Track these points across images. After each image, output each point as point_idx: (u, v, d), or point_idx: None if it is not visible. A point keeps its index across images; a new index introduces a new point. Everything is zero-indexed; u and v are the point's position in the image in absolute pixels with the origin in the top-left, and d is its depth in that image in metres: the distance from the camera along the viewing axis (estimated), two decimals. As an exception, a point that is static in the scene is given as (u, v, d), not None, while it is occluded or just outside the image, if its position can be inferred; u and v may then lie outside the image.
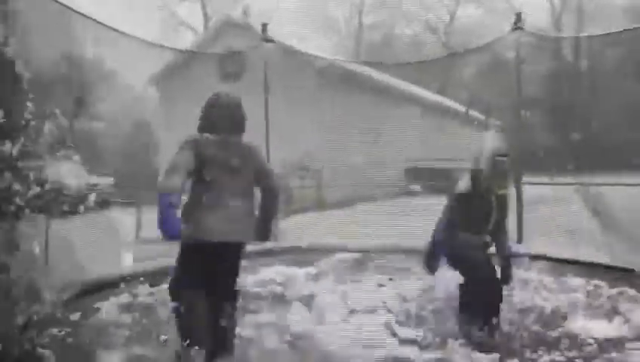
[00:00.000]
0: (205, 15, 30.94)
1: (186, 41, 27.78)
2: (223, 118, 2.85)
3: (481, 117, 19.18)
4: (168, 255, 5.52)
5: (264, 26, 6.52)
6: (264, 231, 2.96)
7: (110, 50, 6.28)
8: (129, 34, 5.83)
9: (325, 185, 12.05)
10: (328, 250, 6.43)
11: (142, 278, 4.70)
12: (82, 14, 5.09)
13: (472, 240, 3.42)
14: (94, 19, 5.26)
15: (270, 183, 2.94)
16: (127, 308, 3.99)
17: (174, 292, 2.79)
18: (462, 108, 18.65)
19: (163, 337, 3.21)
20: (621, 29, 6.33)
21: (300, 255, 6.25)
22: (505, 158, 3.53)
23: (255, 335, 3.24)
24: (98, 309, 3.87)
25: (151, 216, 7.79)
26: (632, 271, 4.83)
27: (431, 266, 3.74)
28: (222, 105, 2.91)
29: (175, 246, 2.79)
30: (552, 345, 3.26)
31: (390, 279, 4.99)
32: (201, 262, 2.66)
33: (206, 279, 2.65)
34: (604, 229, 5.40)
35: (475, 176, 3.53)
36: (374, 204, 9.55)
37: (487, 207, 3.51)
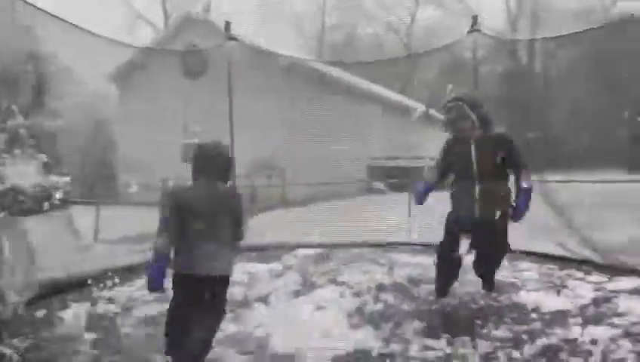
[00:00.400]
0: (165, 11, 30.44)
1: (146, 36, 27.21)
2: (206, 167, 2.99)
3: (440, 117, 19.66)
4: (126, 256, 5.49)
5: (227, 24, 6.49)
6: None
7: (68, 46, 6.10)
8: (87, 29, 5.70)
9: (289, 184, 12.10)
10: (292, 247, 6.51)
11: (102, 280, 4.64)
12: (37, 8, 4.95)
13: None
14: (50, 13, 5.12)
15: (238, 233, 3.06)
16: (87, 316, 3.92)
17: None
18: (422, 108, 19.04)
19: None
20: (572, 32, 6.63)
21: (265, 252, 6.31)
22: (456, 103, 3.94)
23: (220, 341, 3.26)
24: (59, 318, 3.77)
25: (109, 214, 7.61)
26: (582, 261, 5.13)
27: (419, 199, 4.16)
28: (205, 155, 3.03)
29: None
30: (504, 314, 3.61)
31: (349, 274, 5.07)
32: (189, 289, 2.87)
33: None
34: (557, 224, 5.67)
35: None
36: (338, 202, 9.68)
37: (466, 151, 3.89)
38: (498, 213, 3.77)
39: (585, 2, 25.71)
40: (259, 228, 7.53)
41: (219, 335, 2.95)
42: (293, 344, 3.13)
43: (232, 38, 6.53)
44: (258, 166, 11.62)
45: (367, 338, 3.24)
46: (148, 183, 10.58)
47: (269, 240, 6.79)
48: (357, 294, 4.28)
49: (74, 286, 4.48)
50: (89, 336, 3.35)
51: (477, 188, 3.80)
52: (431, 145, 17.22)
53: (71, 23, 5.47)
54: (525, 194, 3.80)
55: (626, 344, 2.99)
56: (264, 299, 4.16)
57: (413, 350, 3.08)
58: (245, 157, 9.09)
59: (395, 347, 3.13)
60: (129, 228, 7.25)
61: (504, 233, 3.89)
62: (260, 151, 11.88)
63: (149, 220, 7.72)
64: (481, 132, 3.91)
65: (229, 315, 3.27)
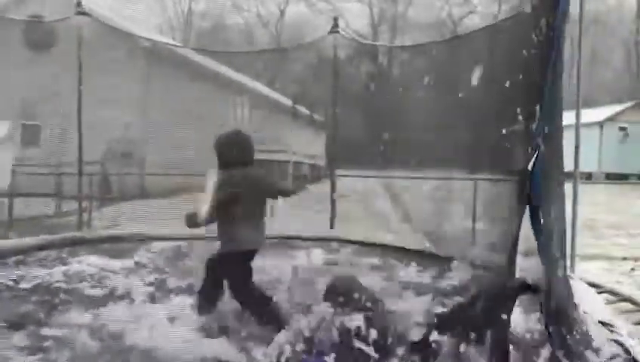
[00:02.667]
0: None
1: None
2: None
3: (307, 113, 20.18)
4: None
5: (78, -4, 5.95)
6: None
7: None
8: None
9: (148, 173, 11.48)
10: (148, 239, 6.21)
11: None
12: None
13: None
14: None
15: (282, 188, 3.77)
16: None
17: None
18: (289, 103, 19.38)
19: None
20: (427, 41, 7.25)
21: (116, 244, 5.92)
22: None
23: (68, 335, 2.98)
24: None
25: None
26: (422, 251, 5.66)
27: None
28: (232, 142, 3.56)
29: None
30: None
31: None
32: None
33: None
34: (403, 217, 6.18)
35: None
36: (198, 194, 9.41)
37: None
38: None
39: (437, 15, 28.29)
40: (113, 219, 7.07)
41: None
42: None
43: (82, 13, 5.98)
44: (113, 153, 10.85)
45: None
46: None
47: (123, 232, 6.39)
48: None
49: None
50: None
51: None
52: (296, 139, 17.62)
53: None
54: None
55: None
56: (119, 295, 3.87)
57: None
58: (98, 142, 8.41)
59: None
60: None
61: None
62: (116, 137, 11.10)
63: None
64: None
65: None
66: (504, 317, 2.52)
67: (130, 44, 10.30)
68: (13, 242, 5.50)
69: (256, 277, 3.46)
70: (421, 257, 5.57)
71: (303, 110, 20.05)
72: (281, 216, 8.16)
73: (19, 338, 2.95)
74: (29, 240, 5.58)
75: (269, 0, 33.75)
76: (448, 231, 5.91)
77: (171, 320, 3.33)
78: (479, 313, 2.59)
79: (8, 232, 6.38)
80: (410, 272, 5.18)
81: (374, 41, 26.49)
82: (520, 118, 3.09)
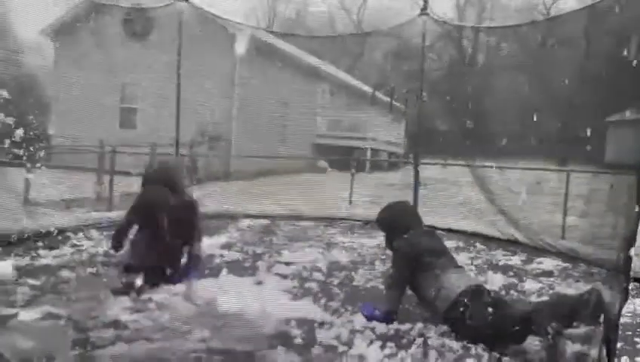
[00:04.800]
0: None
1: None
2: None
3: (386, 99, 19.97)
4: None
5: (180, -16, 6.27)
6: None
7: None
8: None
9: (234, 156, 11.95)
10: (235, 217, 6.50)
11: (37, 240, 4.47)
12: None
13: None
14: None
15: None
16: (28, 271, 3.78)
17: None
18: (369, 90, 19.26)
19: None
20: (515, 24, 6.91)
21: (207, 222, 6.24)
22: None
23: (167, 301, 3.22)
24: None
25: (39, 177, 7.26)
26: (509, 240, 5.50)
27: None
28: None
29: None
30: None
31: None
32: None
33: None
34: (489, 206, 6.00)
35: None
36: (282, 177, 9.71)
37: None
38: None
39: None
40: (200, 198, 7.44)
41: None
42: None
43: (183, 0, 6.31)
44: (202, 135, 11.38)
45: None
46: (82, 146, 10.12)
47: (211, 210, 6.72)
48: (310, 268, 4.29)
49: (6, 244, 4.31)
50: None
51: None
52: (376, 126, 17.52)
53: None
54: None
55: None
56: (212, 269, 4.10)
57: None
58: (189, 125, 8.87)
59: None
60: (60, 192, 6.97)
61: None
62: (205, 120, 11.63)
63: (82, 185, 7.45)
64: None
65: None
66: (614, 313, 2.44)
67: (222, 30, 10.69)
68: (115, 214, 5.95)
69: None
70: (508, 245, 5.41)
71: (383, 97, 19.87)
72: (361, 203, 8.27)
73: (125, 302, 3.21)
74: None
75: (352, -15, 33.53)
76: (538, 223, 5.68)
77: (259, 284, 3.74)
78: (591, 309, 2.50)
79: (111, 206, 6.94)
80: (496, 255, 5.07)
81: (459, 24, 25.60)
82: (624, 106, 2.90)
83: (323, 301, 3.44)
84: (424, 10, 6.12)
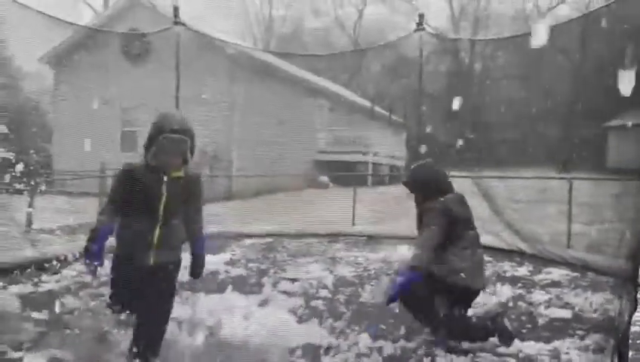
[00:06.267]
0: (105, -7, 29.12)
1: (85, 19, 25.88)
2: None
3: (385, 113, 20.04)
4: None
5: (176, 9, 6.33)
6: None
7: None
8: (21, 2, 5.25)
9: (235, 175, 11.96)
10: (238, 236, 6.49)
11: (39, 266, 4.46)
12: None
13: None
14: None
15: None
16: (30, 299, 3.76)
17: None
18: (368, 104, 19.36)
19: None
20: (510, 35, 6.96)
21: (211, 241, 6.22)
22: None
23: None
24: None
25: (42, 204, 7.23)
26: (515, 251, 5.45)
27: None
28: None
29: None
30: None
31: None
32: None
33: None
34: (493, 216, 5.96)
35: None
36: (283, 195, 9.70)
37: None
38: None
39: (522, 7, 26.99)
40: (205, 217, 7.42)
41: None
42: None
43: (180, 23, 6.37)
44: (203, 156, 11.40)
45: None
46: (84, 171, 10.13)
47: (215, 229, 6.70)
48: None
49: (7, 272, 4.30)
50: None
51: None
52: (375, 140, 17.54)
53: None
54: None
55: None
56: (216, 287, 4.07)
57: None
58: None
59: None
60: (64, 218, 6.96)
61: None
62: (204, 141, 11.67)
63: (84, 210, 7.44)
64: None
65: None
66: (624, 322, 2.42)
67: (218, 52, 10.78)
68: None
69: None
70: (514, 256, 5.37)
71: (382, 111, 19.94)
72: (365, 219, 8.23)
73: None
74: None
75: (348, 2, 33.96)
76: (542, 232, 5.64)
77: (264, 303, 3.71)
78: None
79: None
80: (503, 266, 5.04)
81: (455, 37, 25.78)
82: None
83: (329, 321, 3.39)
84: (420, 26, 6.17)
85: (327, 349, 2.95)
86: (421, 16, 6.21)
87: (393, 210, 7.31)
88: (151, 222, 2.54)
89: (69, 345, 2.93)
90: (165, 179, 2.55)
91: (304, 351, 2.90)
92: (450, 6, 31.41)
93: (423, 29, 6.16)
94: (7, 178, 4.48)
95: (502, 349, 2.89)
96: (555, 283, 4.41)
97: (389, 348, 2.93)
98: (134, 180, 2.55)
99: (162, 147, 2.51)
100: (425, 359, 2.79)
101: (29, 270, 4.45)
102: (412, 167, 3.54)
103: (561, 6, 25.12)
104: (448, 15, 31.16)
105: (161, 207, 2.56)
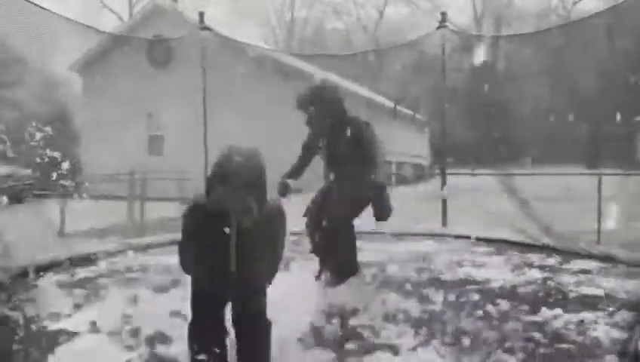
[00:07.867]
0: (130, 1, 29.74)
1: (110, 26, 26.51)
2: None
3: (409, 112, 19.95)
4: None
5: (201, 14, 6.46)
6: None
7: (26, 27, 5.77)
8: (49, 10, 5.39)
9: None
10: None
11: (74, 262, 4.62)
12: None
13: None
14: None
15: None
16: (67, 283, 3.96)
17: None
18: (390, 104, 19.31)
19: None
20: (534, 31, 6.89)
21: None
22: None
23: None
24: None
25: (73, 207, 7.44)
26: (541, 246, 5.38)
27: None
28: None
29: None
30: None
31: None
32: None
33: None
34: (519, 213, 5.92)
35: None
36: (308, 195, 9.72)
37: None
38: None
39: (545, 3, 26.55)
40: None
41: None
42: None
43: (206, 28, 6.49)
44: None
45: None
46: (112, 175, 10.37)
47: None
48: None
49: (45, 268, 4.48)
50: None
51: None
52: (398, 140, 17.49)
53: (34, 4, 5.18)
54: None
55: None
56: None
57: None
58: (216, 150, 9.01)
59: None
60: (95, 221, 7.15)
61: None
62: (226, 145, 11.80)
63: (114, 213, 7.62)
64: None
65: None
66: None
67: (242, 53, 10.92)
68: (150, 239, 6.07)
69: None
70: (541, 251, 5.30)
71: (405, 110, 19.85)
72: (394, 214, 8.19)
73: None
74: (157, 238, 6.12)
75: (368, 2, 33.96)
76: (571, 229, 5.56)
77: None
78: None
79: (143, 232, 7.08)
80: (530, 258, 4.97)
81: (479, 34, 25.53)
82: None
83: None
84: (442, 23, 6.16)
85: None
86: (444, 14, 6.20)
87: (417, 209, 7.29)
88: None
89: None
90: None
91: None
92: (473, 3, 31.11)
93: (446, 27, 6.15)
94: (54, 175, 4.65)
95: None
96: (586, 271, 4.34)
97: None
98: None
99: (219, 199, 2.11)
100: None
101: (64, 264, 4.60)
102: None
103: (586, 0, 24.68)
104: (470, 13, 30.89)
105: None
